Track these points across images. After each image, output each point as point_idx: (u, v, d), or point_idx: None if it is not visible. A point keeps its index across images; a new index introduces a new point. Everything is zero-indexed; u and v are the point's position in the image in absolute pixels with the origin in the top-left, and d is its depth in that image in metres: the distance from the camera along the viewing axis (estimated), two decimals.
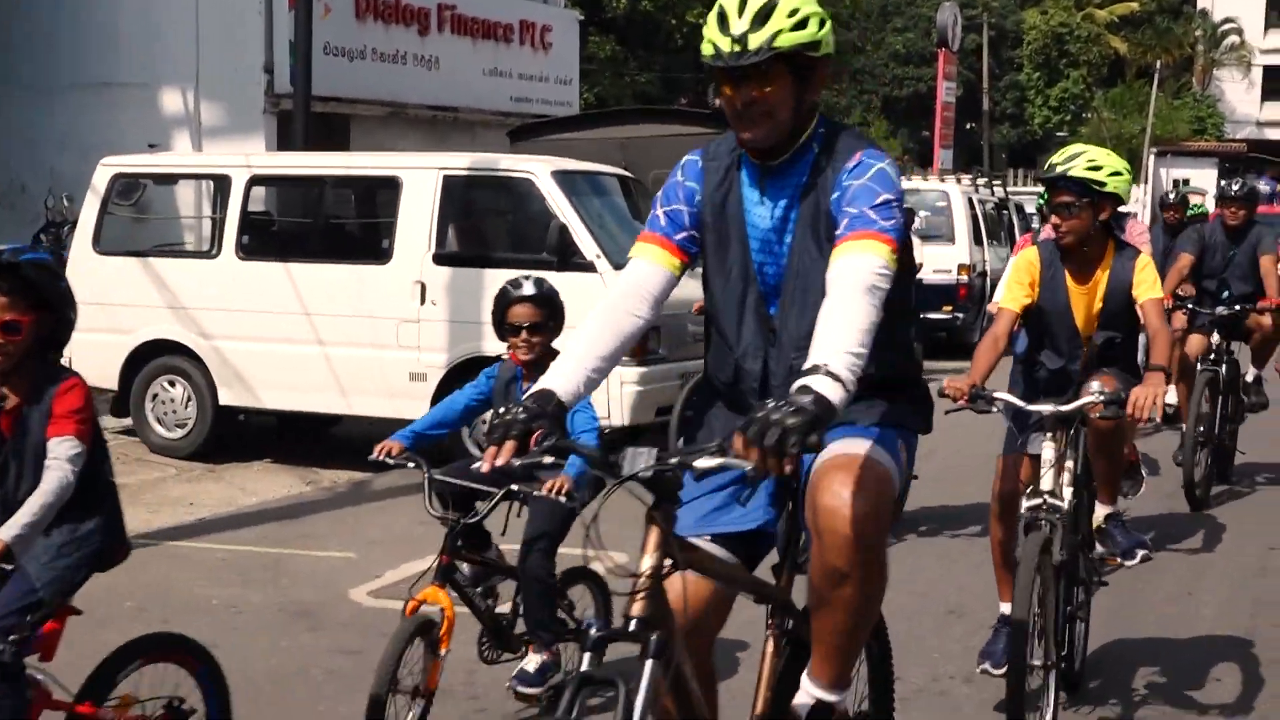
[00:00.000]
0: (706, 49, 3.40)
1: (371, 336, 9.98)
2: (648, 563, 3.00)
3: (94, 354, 10.62)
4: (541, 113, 19.50)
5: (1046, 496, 5.15)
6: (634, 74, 35.74)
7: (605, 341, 3.44)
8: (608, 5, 33.16)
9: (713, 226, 3.61)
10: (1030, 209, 26.93)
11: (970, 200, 19.46)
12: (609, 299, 3.56)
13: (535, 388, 3.25)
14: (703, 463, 2.93)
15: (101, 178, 11.22)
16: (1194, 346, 9.63)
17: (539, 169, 10.33)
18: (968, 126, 49.81)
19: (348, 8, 16.87)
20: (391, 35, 17.69)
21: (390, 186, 10.50)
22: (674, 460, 2.97)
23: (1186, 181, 36.69)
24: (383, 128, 17.50)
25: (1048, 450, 5.27)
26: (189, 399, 10.57)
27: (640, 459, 2.97)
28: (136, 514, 8.45)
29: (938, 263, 17.15)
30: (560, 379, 3.28)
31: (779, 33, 3.28)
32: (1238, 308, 9.49)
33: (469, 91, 18.83)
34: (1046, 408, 5.31)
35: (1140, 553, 6.79)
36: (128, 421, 10.88)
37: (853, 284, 3.17)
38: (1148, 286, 5.63)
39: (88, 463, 3.90)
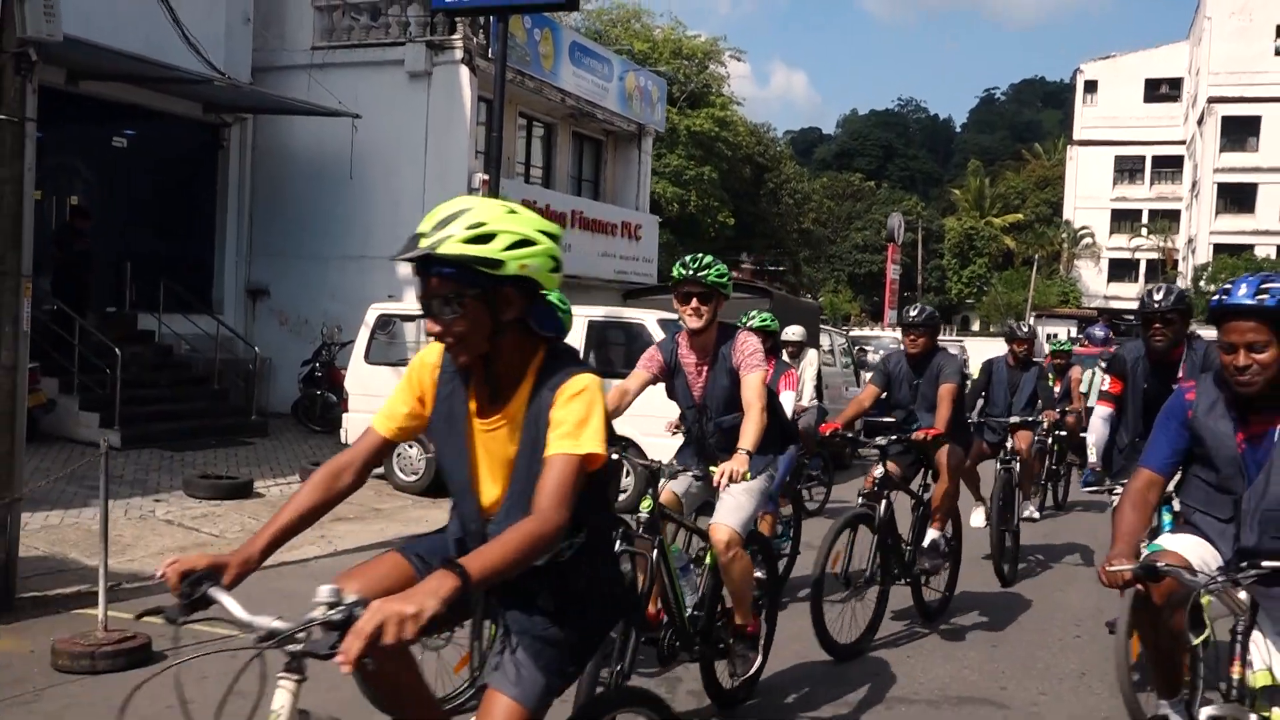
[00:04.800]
0: None
1: None
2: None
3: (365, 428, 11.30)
4: (634, 281, 19.58)
5: None
6: (681, 254, 36.12)
7: None
8: (666, 209, 33.57)
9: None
10: (954, 350, 27.40)
11: None
12: None
13: None
14: None
15: (370, 316, 11.61)
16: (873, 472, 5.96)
17: (648, 317, 10.89)
18: (905, 294, 50.62)
19: None
20: None
21: None
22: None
23: (1055, 335, 37.17)
24: None
25: None
26: (420, 456, 10.74)
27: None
28: (391, 528, 9.01)
29: None
30: None
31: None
32: (895, 437, 6.17)
33: (589, 265, 18.81)
34: None
35: None
36: (380, 469, 10.83)
37: None
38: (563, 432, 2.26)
39: None
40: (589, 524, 2.44)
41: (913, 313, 6.47)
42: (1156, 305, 5.28)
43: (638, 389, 4.65)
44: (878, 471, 5.92)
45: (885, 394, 6.57)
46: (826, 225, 57.58)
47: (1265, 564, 2.87)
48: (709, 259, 4.59)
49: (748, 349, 4.56)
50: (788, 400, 7.06)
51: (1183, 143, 57.81)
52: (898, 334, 20.61)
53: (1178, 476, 3.37)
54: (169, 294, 14.69)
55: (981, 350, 24.67)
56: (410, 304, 14.67)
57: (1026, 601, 7.25)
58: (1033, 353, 9.20)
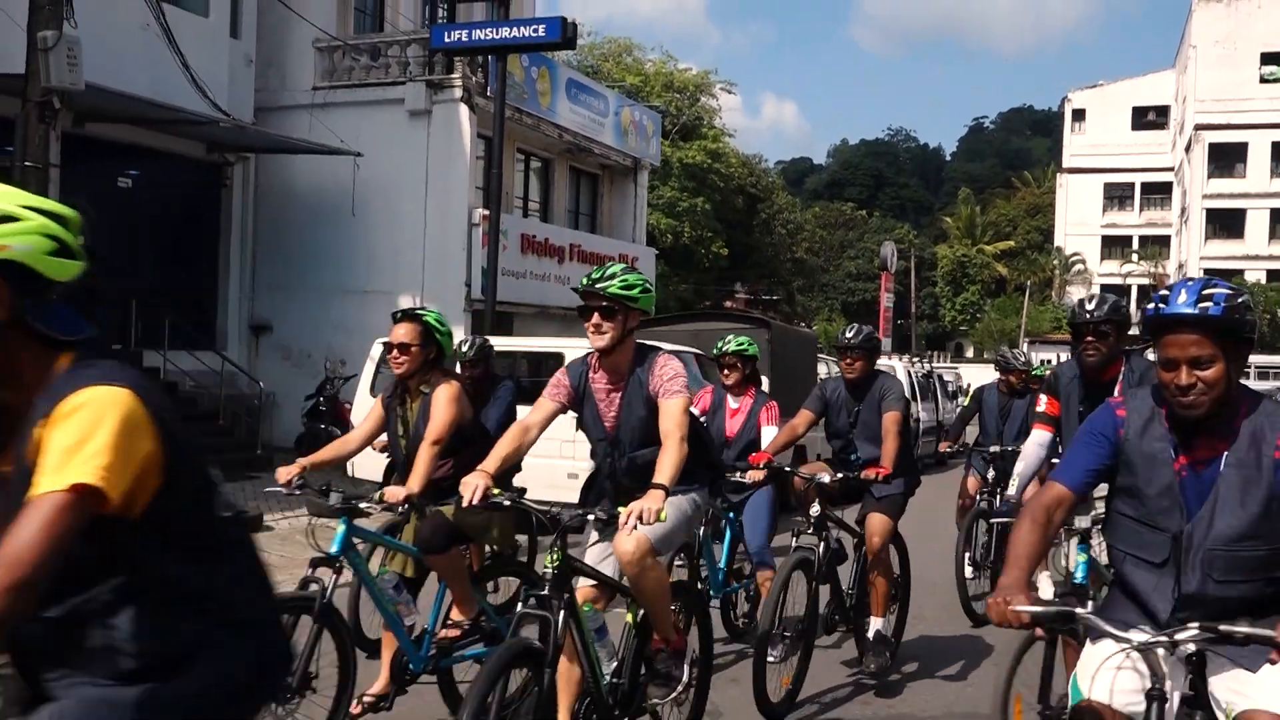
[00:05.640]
0: None
1: (544, 450, 10.49)
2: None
3: (370, 459, 11.41)
4: None
5: None
6: (675, 285, 36.88)
7: None
8: (660, 240, 33.66)
9: None
10: (949, 377, 27.49)
11: (908, 371, 19.90)
12: None
13: None
14: None
15: (375, 349, 11.47)
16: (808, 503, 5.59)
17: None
18: (899, 322, 50.87)
19: (516, 244, 17.14)
20: (541, 263, 18.01)
21: (557, 358, 10.76)
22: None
23: (1047, 361, 37.23)
24: (534, 321, 17.69)
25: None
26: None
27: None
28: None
29: None
30: None
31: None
32: (842, 475, 5.53)
33: None
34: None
35: None
36: None
37: None
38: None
39: None
40: (151, 572, 1.81)
41: (849, 334, 5.85)
42: (1088, 315, 4.65)
43: (542, 422, 4.06)
44: (814, 510, 5.48)
45: (822, 421, 5.97)
46: (819, 254, 57.98)
47: (1223, 627, 2.42)
48: (616, 269, 4.00)
49: (667, 373, 3.96)
50: (769, 435, 6.30)
51: (1171, 169, 58.47)
52: (892, 361, 21.04)
53: (1103, 516, 2.94)
54: (173, 331, 14.76)
55: (977, 376, 24.91)
56: None
57: None
58: (1028, 381, 8.75)
